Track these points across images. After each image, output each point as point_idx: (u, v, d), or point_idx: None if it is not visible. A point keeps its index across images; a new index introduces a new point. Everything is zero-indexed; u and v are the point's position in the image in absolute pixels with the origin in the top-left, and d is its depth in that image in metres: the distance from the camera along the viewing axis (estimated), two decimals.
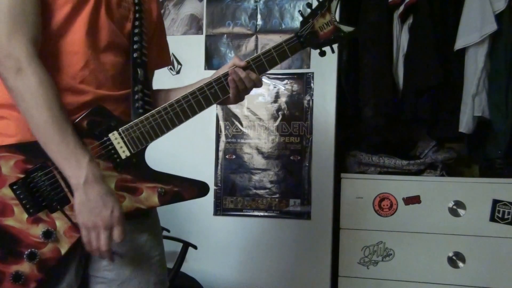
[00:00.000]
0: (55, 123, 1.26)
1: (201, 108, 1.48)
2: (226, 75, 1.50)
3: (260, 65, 1.51)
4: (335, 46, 1.58)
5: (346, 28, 1.54)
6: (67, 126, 1.28)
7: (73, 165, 1.27)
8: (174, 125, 1.45)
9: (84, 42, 1.38)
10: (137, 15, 1.53)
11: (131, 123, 1.41)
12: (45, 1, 1.33)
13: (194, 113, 1.47)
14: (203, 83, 1.50)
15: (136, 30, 1.52)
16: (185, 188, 1.46)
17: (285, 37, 1.54)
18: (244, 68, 1.50)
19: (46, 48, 1.34)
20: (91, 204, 1.28)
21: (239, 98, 1.55)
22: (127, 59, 1.52)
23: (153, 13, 1.65)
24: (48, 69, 1.33)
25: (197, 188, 1.48)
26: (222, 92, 1.50)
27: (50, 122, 1.26)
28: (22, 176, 1.31)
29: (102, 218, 1.28)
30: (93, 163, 1.30)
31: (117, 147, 1.39)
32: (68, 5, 1.35)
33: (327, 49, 1.59)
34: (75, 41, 1.37)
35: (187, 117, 1.46)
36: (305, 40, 1.53)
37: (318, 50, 1.59)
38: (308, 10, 1.56)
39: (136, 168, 1.42)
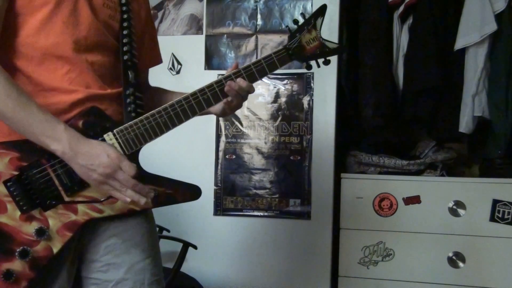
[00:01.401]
0: (19, 106, 1.26)
1: (194, 113, 1.49)
2: (218, 82, 1.51)
3: (250, 74, 1.53)
4: (320, 61, 1.62)
5: (331, 45, 1.59)
6: (31, 105, 1.28)
7: (53, 138, 1.28)
8: (168, 128, 1.46)
9: (69, 45, 1.38)
10: (125, 16, 1.54)
11: (126, 124, 1.42)
12: (19, 3, 1.34)
13: (187, 117, 1.48)
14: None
15: (125, 32, 1.53)
16: (178, 191, 1.48)
17: (275, 49, 1.58)
18: (235, 75, 1.52)
19: (26, 51, 1.35)
20: (87, 163, 1.29)
21: (235, 107, 1.59)
22: (116, 58, 1.52)
23: (141, 12, 1.66)
24: (36, 71, 1.35)
25: (190, 192, 1.50)
26: (214, 98, 1.51)
27: (14, 107, 1.26)
28: (16, 173, 1.31)
29: (104, 165, 1.29)
30: (68, 128, 1.30)
31: None
32: (47, 6, 1.35)
33: (313, 63, 1.64)
34: (59, 44, 1.37)
35: (180, 121, 1.47)
36: (293, 53, 1.56)
37: (304, 64, 1.64)
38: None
39: None
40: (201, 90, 1.49)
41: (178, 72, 3.09)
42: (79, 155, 1.28)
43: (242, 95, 1.55)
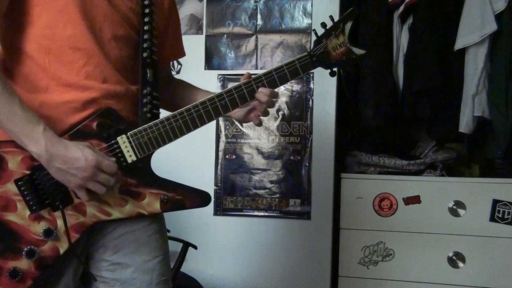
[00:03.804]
0: (1, 101, 1.24)
1: (210, 119, 1.47)
2: (237, 87, 1.49)
3: (271, 80, 1.51)
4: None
5: (358, 51, 1.54)
6: (13, 101, 1.25)
7: (31, 139, 1.25)
8: (182, 133, 1.45)
9: (86, 36, 1.37)
10: (146, 10, 1.51)
11: (140, 128, 1.41)
12: None
13: (203, 122, 1.47)
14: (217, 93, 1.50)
15: (146, 27, 1.50)
16: (188, 197, 1.46)
17: (298, 55, 1.54)
18: (255, 81, 1.50)
19: (44, 43, 1.34)
20: (65, 167, 1.27)
21: (262, 115, 1.58)
22: (135, 53, 1.50)
23: (164, 5, 1.63)
24: (53, 64, 1.34)
25: (200, 198, 1.48)
26: (232, 103, 1.49)
27: None
28: (28, 172, 1.31)
29: (83, 170, 1.27)
30: (47, 130, 1.27)
31: (124, 151, 1.39)
32: None
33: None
34: (76, 35, 1.36)
35: (195, 126, 1.46)
36: (317, 59, 1.53)
37: (328, 70, 1.59)
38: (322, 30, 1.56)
39: (141, 173, 1.42)
40: (219, 95, 1.48)
41: (178, 72, 3.08)
42: (56, 158, 1.26)
43: (268, 104, 1.53)
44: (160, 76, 1.62)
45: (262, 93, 1.50)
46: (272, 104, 1.55)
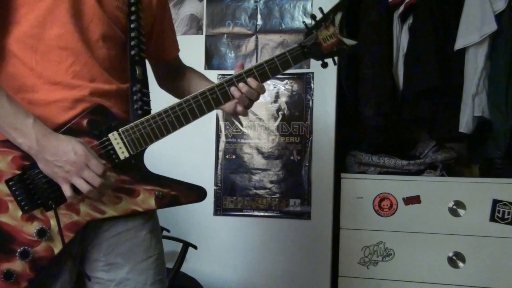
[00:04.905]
0: None
1: (202, 113, 1.47)
2: (228, 81, 1.49)
3: (263, 72, 1.51)
4: (336, 58, 1.59)
5: (349, 41, 1.55)
6: (1, 96, 1.25)
7: (21, 132, 1.25)
8: (175, 128, 1.44)
9: (73, 36, 1.36)
10: (132, 8, 1.50)
11: (132, 124, 1.40)
12: None
13: (195, 117, 1.46)
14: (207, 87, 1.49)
15: (133, 25, 1.50)
16: (183, 192, 1.46)
17: (289, 46, 1.55)
18: (246, 73, 1.50)
19: (30, 42, 1.34)
20: (53, 159, 1.26)
21: (247, 107, 1.56)
22: (123, 52, 1.50)
23: (152, 3, 1.62)
24: (40, 64, 1.33)
25: (195, 193, 1.48)
26: (224, 97, 1.49)
27: None
28: (18, 172, 1.30)
29: (71, 164, 1.25)
30: (37, 122, 1.27)
31: (116, 147, 1.39)
32: None
33: (329, 60, 1.60)
34: (63, 35, 1.35)
35: (187, 121, 1.46)
36: (308, 51, 1.53)
37: (320, 62, 1.59)
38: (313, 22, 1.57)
39: (134, 170, 1.42)
40: (211, 89, 1.48)
41: None
42: (46, 151, 1.25)
43: (252, 98, 1.52)
44: (165, 73, 1.65)
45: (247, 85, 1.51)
46: (253, 97, 1.53)
